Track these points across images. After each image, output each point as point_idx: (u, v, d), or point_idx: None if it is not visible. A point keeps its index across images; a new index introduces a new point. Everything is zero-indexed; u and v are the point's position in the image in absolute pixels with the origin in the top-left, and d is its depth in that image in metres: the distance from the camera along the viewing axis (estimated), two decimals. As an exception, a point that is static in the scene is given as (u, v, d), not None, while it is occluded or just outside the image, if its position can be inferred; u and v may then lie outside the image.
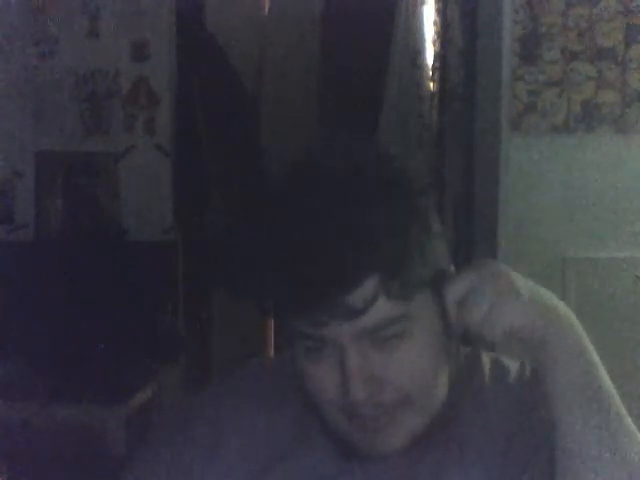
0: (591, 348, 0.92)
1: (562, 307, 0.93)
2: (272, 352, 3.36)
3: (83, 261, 2.90)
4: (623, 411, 0.91)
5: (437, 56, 2.71)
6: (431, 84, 2.76)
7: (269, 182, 0.95)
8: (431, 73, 2.75)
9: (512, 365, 1.02)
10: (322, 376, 0.91)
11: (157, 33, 3.03)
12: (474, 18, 2.55)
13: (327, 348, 0.89)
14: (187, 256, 3.03)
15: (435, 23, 2.73)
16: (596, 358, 0.91)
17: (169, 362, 2.93)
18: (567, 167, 2.56)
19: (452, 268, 0.95)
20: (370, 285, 0.86)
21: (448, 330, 0.92)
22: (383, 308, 0.87)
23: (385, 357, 0.89)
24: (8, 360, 2.75)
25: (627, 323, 2.54)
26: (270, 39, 3.23)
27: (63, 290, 2.85)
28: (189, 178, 3.09)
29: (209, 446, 1.01)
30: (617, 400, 0.91)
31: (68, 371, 2.69)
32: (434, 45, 2.74)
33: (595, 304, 2.53)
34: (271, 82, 3.23)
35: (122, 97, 3.06)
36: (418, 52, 2.78)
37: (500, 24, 2.49)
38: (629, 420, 0.91)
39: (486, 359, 1.03)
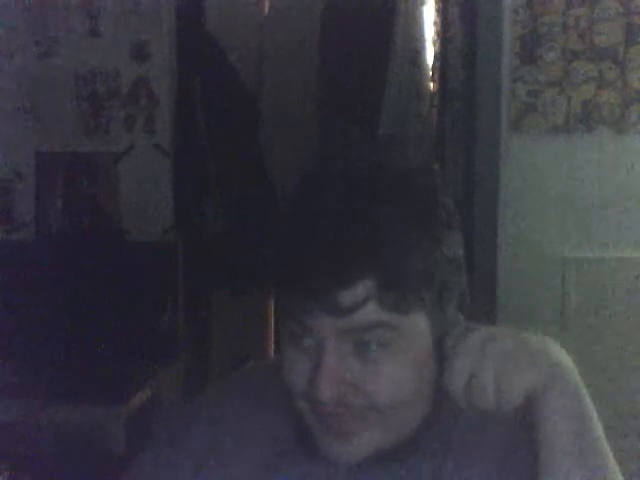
0: (587, 401, 0.89)
1: (564, 360, 0.90)
2: (272, 352, 3.36)
3: (83, 261, 2.90)
4: (614, 466, 0.89)
5: (437, 56, 2.71)
6: (431, 84, 2.76)
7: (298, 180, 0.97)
8: (431, 73, 2.76)
9: None
10: (298, 366, 0.90)
11: (157, 33, 3.03)
12: (474, 18, 2.55)
13: (309, 338, 0.89)
14: (187, 256, 3.03)
15: (435, 23, 2.73)
16: (592, 412, 0.89)
17: (169, 362, 2.92)
18: (567, 167, 2.56)
19: (461, 321, 0.93)
20: (363, 288, 0.85)
21: (439, 355, 0.90)
22: (372, 313, 0.86)
23: (363, 365, 0.88)
24: (8, 360, 2.74)
25: (627, 323, 2.54)
26: (270, 39, 3.23)
27: (63, 290, 2.85)
28: (189, 178, 3.10)
29: (206, 449, 1.00)
30: (609, 457, 0.89)
31: (68, 371, 2.69)
32: (434, 45, 2.74)
33: (595, 304, 2.53)
34: (271, 82, 3.23)
35: (122, 97, 3.06)
36: (418, 52, 2.78)
37: (500, 24, 2.49)
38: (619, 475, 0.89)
39: None
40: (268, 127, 3.21)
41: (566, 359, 0.90)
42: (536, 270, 2.55)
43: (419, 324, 0.89)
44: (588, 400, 0.89)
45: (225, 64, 3.15)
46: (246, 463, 0.99)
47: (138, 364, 2.80)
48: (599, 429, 0.89)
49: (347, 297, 0.85)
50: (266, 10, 3.26)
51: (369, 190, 0.88)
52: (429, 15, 2.77)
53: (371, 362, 0.88)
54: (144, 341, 2.86)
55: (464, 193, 2.58)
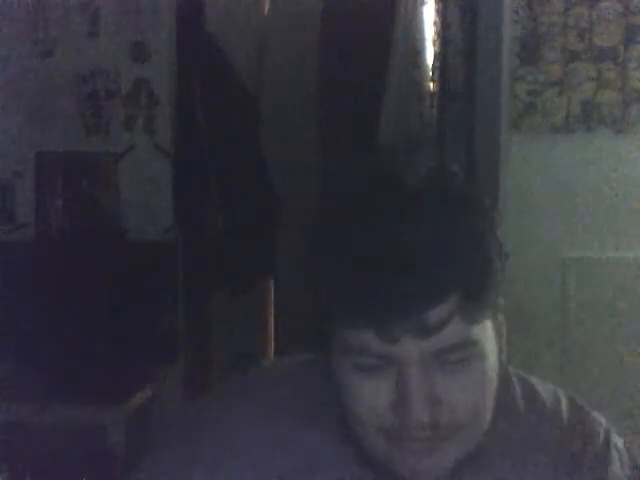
0: None
1: None
2: (272, 352, 3.36)
3: (83, 261, 2.90)
4: None
5: (437, 56, 2.71)
6: (431, 84, 2.76)
7: (349, 191, 0.92)
8: (431, 73, 2.76)
9: (543, 391, 1.01)
10: (373, 393, 0.87)
11: (157, 33, 3.03)
12: (474, 18, 2.55)
13: (387, 366, 0.86)
14: (187, 256, 3.03)
15: (435, 23, 2.73)
16: None
17: (169, 362, 2.93)
18: (567, 167, 2.56)
19: (501, 301, 0.93)
20: (449, 303, 0.83)
21: (501, 356, 0.91)
22: (456, 330, 0.84)
23: (447, 380, 0.86)
24: (8, 360, 2.75)
25: (627, 323, 2.54)
26: (270, 39, 3.23)
27: (63, 290, 2.85)
28: (189, 178, 3.10)
29: (218, 452, 0.98)
30: None
31: (68, 371, 2.69)
32: (434, 45, 2.74)
33: (595, 304, 2.53)
34: (271, 82, 3.23)
35: (122, 97, 3.06)
36: (418, 52, 2.78)
37: (500, 24, 2.49)
38: None
39: (516, 379, 1.01)
40: (268, 127, 3.21)
41: None
42: (536, 270, 2.55)
43: (489, 329, 0.89)
44: None
45: (225, 64, 3.15)
46: (262, 470, 0.97)
47: (138, 364, 2.80)
48: None
49: (435, 316, 0.83)
50: (266, 10, 3.26)
51: (436, 202, 0.86)
52: (429, 15, 2.76)
53: (455, 375, 0.87)
54: (144, 341, 2.86)
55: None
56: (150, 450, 1.03)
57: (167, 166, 3.07)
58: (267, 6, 3.25)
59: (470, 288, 0.84)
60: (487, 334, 0.88)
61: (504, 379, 0.98)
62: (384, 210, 0.86)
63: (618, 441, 0.99)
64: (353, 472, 0.95)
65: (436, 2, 2.73)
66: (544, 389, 1.01)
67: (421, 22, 2.78)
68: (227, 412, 1.00)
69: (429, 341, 0.84)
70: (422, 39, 2.78)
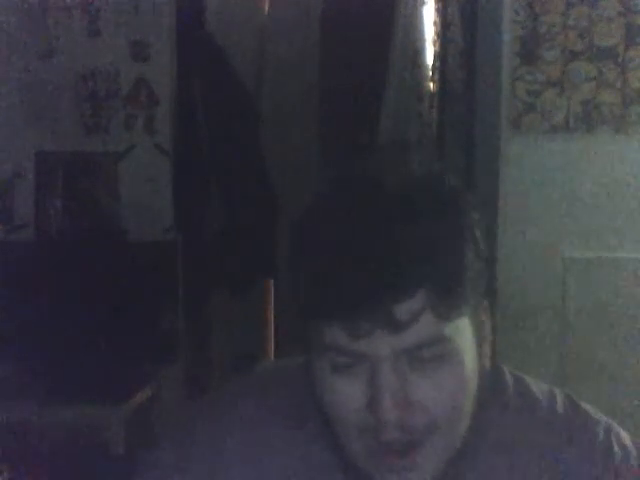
0: None
1: None
2: (272, 352, 3.36)
3: (83, 261, 2.90)
4: None
5: (437, 56, 2.72)
6: (431, 84, 2.76)
7: (320, 190, 0.92)
8: (431, 73, 2.76)
9: (538, 389, 1.00)
10: (349, 394, 0.86)
11: (157, 33, 3.03)
12: (474, 18, 2.55)
13: (360, 364, 0.85)
14: (187, 256, 3.03)
15: (435, 23, 2.74)
16: None
17: (169, 362, 2.93)
18: (567, 167, 2.56)
19: (486, 303, 0.92)
20: (419, 298, 0.83)
21: (482, 357, 0.90)
22: (427, 326, 0.84)
23: (421, 379, 0.85)
24: (8, 360, 2.75)
25: (627, 323, 2.54)
26: (270, 39, 3.23)
27: (63, 290, 2.85)
28: (189, 178, 3.10)
29: (213, 453, 0.98)
30: None
31: (68, 371, 2.69)
32: (434, 45, 2.74)
33: (595, 304, 2.53)
34: (271, 82, 3.23)
35: (122, 97, 3.06)
36: (418, 52, 2.78)
37: (500, 24, 2.49)
38: None
39: (509, 378, 1.00)
40: (268, 127, 3.22)
41: None
42: (536, 270, 2.55)
43: (466, 328, 0.88)
44: None
45: (225, 64, 3.15)
46: (259, 471, 0.97)
47: (138, 364, 2.80)
48: None
49: (404, 311, 0.82)
50: (266, 10, 3.26)
51: (410, 202, 0.86)
52: (429, 15, 2.77)
53: (428, 374, 0.86)
54: (144, 341, 2.86)
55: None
56: (149, 450, 1.03)
57: (167, 166, 3.07)
58: (267, 6, 3.25)
59: (440, 284, 0.83)
60: (463, 333, 0.87)
61: (497, 377, 0.98)
62: (358, 208, 0.86)
63: (624, 438, 0.98)
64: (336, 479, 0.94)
65: (436, 2, 2.73)
66: (538, 387, 1.00)
67: (421, 22, 2.78)
68: (226, 413, 1.00)
69: (400, 337, 0.83)
70: (422, 39, 2.78)
